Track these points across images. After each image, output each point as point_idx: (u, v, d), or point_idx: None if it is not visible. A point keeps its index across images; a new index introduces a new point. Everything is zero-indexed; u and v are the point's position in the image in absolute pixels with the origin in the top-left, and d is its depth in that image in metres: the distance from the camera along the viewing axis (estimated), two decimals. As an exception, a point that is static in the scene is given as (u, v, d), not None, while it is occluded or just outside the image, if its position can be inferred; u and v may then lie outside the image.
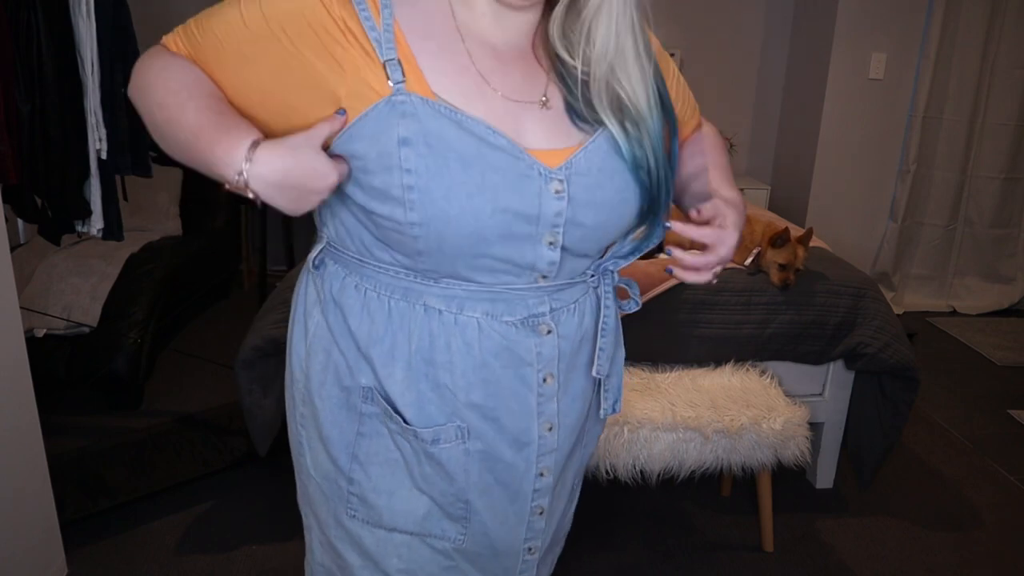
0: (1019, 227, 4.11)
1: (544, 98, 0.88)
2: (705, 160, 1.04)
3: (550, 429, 0.97)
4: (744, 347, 2.17)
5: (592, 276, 0.97)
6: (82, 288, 2.79)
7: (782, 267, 2.12)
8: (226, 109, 0.81)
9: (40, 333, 2.66)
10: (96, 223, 2.05)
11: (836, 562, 2.11)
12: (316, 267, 0.96)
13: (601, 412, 1.05)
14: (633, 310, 1.04)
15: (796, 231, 2.29)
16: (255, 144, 0.77)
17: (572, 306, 0.95)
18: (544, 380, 0.94)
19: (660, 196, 0.91)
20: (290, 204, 0.79)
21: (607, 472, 1.91)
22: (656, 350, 2.15)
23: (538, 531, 1.03)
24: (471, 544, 0.99)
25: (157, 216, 3.47)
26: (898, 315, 3.32)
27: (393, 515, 0.96)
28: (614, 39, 0.84)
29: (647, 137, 0.88)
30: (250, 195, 0.77)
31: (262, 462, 2.31)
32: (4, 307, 1.67)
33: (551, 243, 0.87)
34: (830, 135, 3.88)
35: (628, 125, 0.88)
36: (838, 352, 2.20)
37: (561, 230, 0.86)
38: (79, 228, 2.07)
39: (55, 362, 2.64)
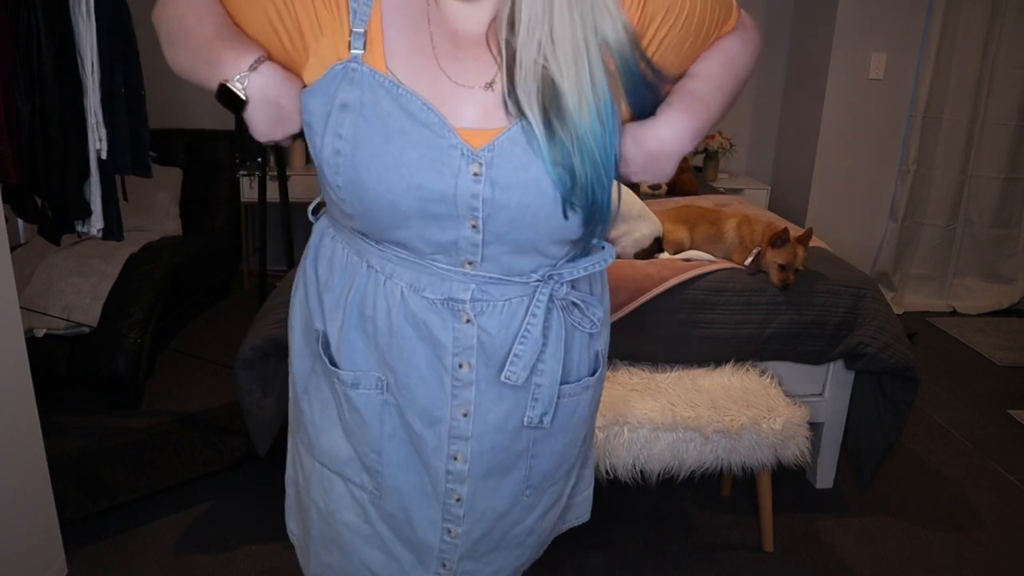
0: (1019, 227, 4.11)
1: (491, 82, 0.88)
2: (695, 68, 0.96)
3: (465, 415, 0.97)
4: (744, 347, 2.17)
5: (538, 281, 0.94)
6: (82, 288, 2.79)
7: (782, 267, 2.12)
8: (239, 32, 0.89)
9: (40, 333, 2.67)
10: (96, 223, 2.05)
11: (836, 562, 2.11)
12: (315, 216, 1.05)
13: (525, 419, 0.99)
14: (591, 330, 1.01)
15: (796, 231, 2.29)
16: (263, 58, 0.86)
17: (501, 304, 0.93)
18: (460, 366, 0.94)
19: (593, 206, 0.86)
20: (265, 124, 0.88)
21: (607, 472, 1.91)
22: (656, 350, 2.15)
23: (455, 517, 1.02)
24: (386, 501, 1.03)
25: (157, 216, 3.47)
26: (898, 315, 3.32)
27: (322, 450, 1.05)
28: (539, 23, 0.82)
29: (575, 138, 0.84)
30: (242, 96, 0.85)
31: (262, 462, 2.30)
32: (4, 307, 1.68)
33: (473, 226, 0.88)
34: (830, 135, 3.88)
35: (555, 120, 0.84)
36: (838, 352, 2.20)
37: (480, 213, 0.86)
38: (79, 228, 2.07)
39: (55, 362, 2.64)
